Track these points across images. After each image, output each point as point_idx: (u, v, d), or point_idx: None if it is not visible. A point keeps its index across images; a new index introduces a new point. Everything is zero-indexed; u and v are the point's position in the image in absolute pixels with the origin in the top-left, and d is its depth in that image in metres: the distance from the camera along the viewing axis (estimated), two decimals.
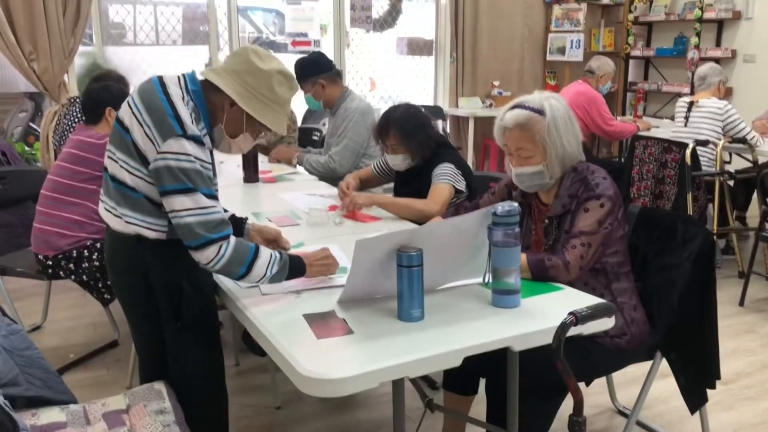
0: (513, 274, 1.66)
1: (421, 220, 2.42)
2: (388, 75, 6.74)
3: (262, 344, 1.57)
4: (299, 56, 3.63)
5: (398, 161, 2.78)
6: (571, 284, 1.85)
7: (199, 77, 1.79)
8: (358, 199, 2.63)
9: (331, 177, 3.35)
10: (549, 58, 6.69)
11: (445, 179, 2.67)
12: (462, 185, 2.72)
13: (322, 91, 3.46)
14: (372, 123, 3.00)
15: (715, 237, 4.05)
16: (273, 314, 1.64)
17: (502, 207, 1.66)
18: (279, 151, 3.76)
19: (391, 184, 3.04)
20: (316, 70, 3.46)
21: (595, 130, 4.94)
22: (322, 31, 6.39)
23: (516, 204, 1.67)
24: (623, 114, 6.65)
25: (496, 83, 6.50)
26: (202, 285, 1.84)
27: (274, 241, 2.04)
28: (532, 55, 6.74)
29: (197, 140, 1.67)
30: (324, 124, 4.60)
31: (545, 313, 1.62)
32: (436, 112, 6.30)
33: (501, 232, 1.65)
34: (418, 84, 6.59)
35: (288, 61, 3.16)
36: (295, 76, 3.38)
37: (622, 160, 5.29)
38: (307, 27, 5.98)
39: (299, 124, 4.48)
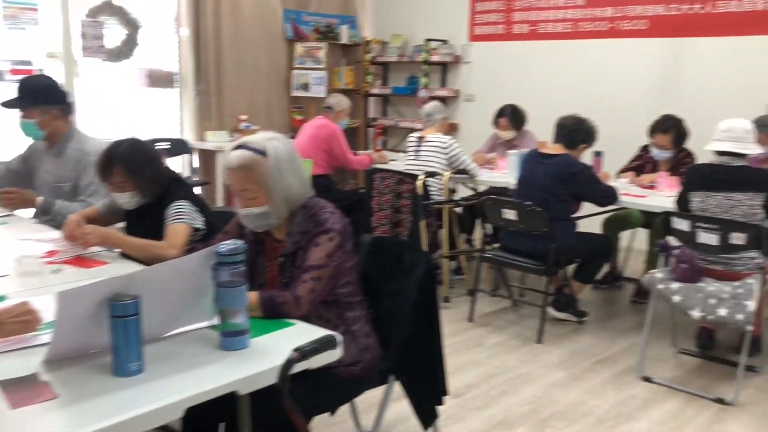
0: (240, 314, 1.61)
1: (158, 263, 2.27)
2: (127, 107, 6.36)
3: None
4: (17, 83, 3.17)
5: (126, 199, 2.59)
6: (306, 318, 1.85)
7: None
8: (91, 237, 2.40)
9: None
10: (294, 93, 6.85)
11: (181, 219, 2.55)
12: (199, 222, 2.62)
13: (51, 122, 3.11)
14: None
15: (447, 259, 4.42)
16: None
17: (225, 246, 1.61)
18: (13, 197, 3.09)
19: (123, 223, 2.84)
20: (52, 98, 3.11)
21: (336, 163, 5.13)
22: (53, 59, 5.85)
23: (240, 242, 1.64)
24: (366, 148, 7.03)
25: (243, 117, 6.48)
26: None
27: None
28: (278, 90, 6.85)
29: None
30: None
31: (274, 352, 1.59)
32: (182, 145, 6.10)
33: (226, 271, 1.60)
34: (162, 117, 6.32)
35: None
36: (21, 96, 3.05)
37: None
38: (30, 54, 5.43)
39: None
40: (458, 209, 4.78)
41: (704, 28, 5.22)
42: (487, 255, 4.07)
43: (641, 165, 4.51)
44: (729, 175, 3.19)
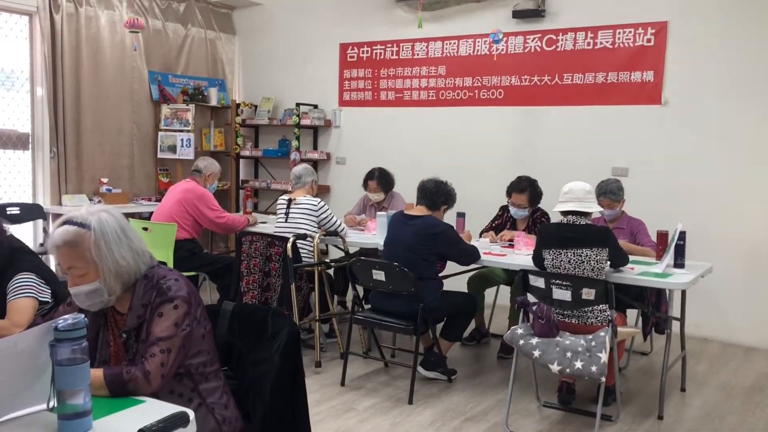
0: (81, 394, 1.49)
1: None
2: None
3: None
4: None
5: None
6: (156, 394, 1.75)
7: None
8: None
9: None
10: (160, 155, 6.66)
11: (26, 293, 2.37)
12: (47, 295, 2.44)
13: None
14: None
15: (318, 322, 4.38)
16: None
17: (64, 321, 1.49)
18: None
19: None
20: None
21: (207, 225, 4.99)
22: None
23: (81, 315, 1.53)
24: (237, 210, 6.92)
25: (105, 180, 6.20)
26: None
27: None
28: (143, 151, 6.63)
29: None
30: None
31: None
32: (36, 210, 5.73)
33: (66, 348, 1.48)
34: (13, 180, 5.91)
35: None
36: None
37: None
38: None
39: None
40: (330, 271, 4.77)
41: (553, 98, 5.66)
42: (359, 317, 4.07)
43: (501, 224, 4.74)
44: (576, 233, 3.42)
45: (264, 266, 4.36)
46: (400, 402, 3.76)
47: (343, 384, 3.99)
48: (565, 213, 3.52)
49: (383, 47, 6.50)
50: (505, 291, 4.89)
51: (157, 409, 1.64)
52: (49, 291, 2.45)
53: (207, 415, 1.90)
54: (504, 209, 4.74)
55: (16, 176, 5.89)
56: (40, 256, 2.78)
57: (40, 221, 5.78)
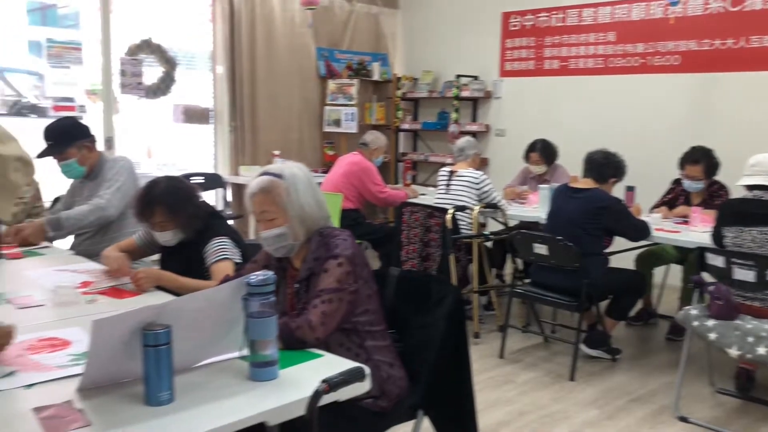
0: (270, 345, 1.62)
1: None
2: (164, 143, 6.52)
3: None
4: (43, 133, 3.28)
5: (169, 237, 2.65)
6: (328, 347, 1.87)
7: None
8: (144, 281, 2.42)
9: (98, 221, 3.17)
10: (326, 129, 6.95)
11: (224, 255, 2.59)
12: (238, 257, 2.66)
13: (88, 155, 3.25)
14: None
15: (477, 294, 4.39)
16: None
17: (256, 276, 1.63)
18: (24, 234, 3.15)
19: (156, 256, 2.89)
20: (80, 134, 3.26)
21: (369, 198, 5.17)
22: (93, 96, 6.05)
23: (271, 272, 1.66)
24: (395, 182, 7.06)
25: (277, 152, 6.57)
26: None
27: None
28: (311, 125, 6.95)
29: None
30: None
31: (302, 383, 1.59)
32: (216, 180, 6.21)
33: (256, 302, 1.62)
34: (197, 152, 6.46)
35: None
36: (53, 142, 3.17)
37: None
38: (72, 91, 5.61)
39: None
40: (488, 244, 4.75)
41: (736, 63, 5.18)
42: (518, 290, 4.03)
43: (674, 198, 4.45)
44: (763, 209, 3.14)
45: (423, 236, 4.43)
46: (560, 378, 3.70)
47: (501, 356, 3.99)
48: (750, 187, 3.22)
49: (548, 14, 6.29)
50: (676, 270, 4.60)
51: (335, 364, 1.74)
52: (240, 252, 2.66)
53: (372, 371, 1.99)
54: (677, 182, 4.45)
55: (200, 148, 6.44)
56: None
57: (220, 190, 6.27)
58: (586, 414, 3.26)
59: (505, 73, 6.69)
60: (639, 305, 4.48)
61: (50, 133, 3.22)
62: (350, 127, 6.81)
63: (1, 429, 1.36)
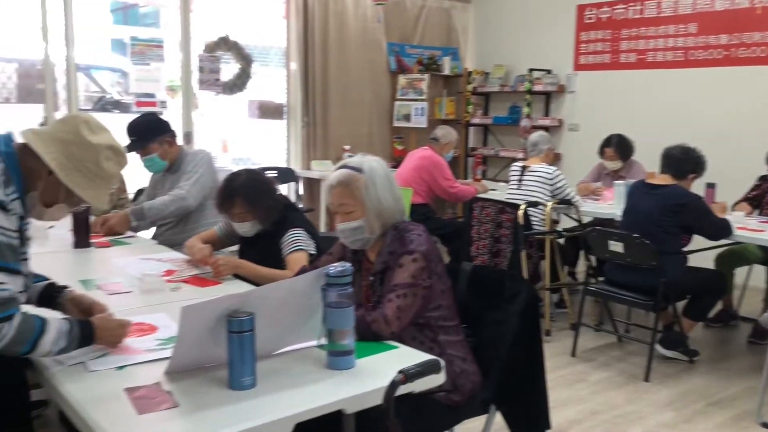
0: (347, 335, 1.66)
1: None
2: (239, 138, 6.70)
3: (76, 423, 1.45)
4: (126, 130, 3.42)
5: (247, 228, 2.74)
6: (402, 340, 1.89)
7: (21, 139, 1.68)
8: (224, 268, 2.53)
9: (178, 211, 3.29)
10: (396, 124, 6.98)
11: (300, 246, 2.66)
12: (313, 248, 2.72)
13: (169, 149, 3.39)
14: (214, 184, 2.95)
15: (548, 291, 4.33)
16: (90, 389, 1.52)
17: (334, 267, 1.67)
18: (110, 224, 3.30)
19: (235, 246, 2.99)
20: (162, 129, 3.40)
21: (439, 193, 5.17)
22: (172, 92, 6.27)
23: (348, 264, 1.69)
24: (465, 177, 7.04)
25: (347, 147, 6.65)
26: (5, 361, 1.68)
27: (89, 311, 1.88)
28: (380, 120, 6.99)
29: (0, 206, 1.55)
30: None
31: (378, 373, 1.62)
32: (288, 174, 6.34)
33: (334, 292, 1.66)
34: (270, 146, 6.60)
35: None
36: (136, 138, 3.32)
37: None
38: (153, 88, 5.83)
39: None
40: (561, 240, 4.68)
41: None
42: (592, 288, 3.96)
43: (759, 195, 4.27)
44: None
45: (494, 232, 4.40)
46: (634, 378, 3.61)
47: (573, 355, 3.93)
48: None
49: (625, 6, 6.11)
50: (759, 270, 4.42)
51: (410, 355, 1.77)
52: (314, 243, 2.73)
53: (446, 365, 1.99)
54: (763, 179, 4.26)
55: (273, 143, 6.58)
56: None
57: (292, 184, 6.39)
58: (661, 416, 3.18)
59: (579, 67, 6.55)
60: (718, 306, 4.32)
61: (133, 129, 3.36)
62: (420, 121, 6.82)
63: (97, 406, 1.44)
